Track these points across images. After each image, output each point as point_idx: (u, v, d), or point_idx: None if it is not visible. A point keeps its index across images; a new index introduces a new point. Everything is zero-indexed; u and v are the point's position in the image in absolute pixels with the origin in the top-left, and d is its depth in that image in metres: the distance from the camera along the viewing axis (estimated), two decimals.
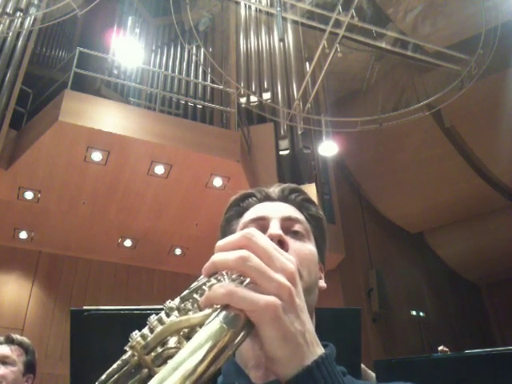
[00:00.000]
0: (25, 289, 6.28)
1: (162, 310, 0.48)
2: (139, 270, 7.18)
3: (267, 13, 8.14)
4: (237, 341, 0.42)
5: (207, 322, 0.42)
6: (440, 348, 3.77)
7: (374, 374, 2.12)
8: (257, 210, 0.83)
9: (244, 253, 0.45)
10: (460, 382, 1.39)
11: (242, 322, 0.43)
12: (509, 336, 9.84)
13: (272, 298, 0.44)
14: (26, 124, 5.84)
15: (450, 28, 7.51)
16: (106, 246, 6.78)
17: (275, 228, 0.75)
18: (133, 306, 1.05)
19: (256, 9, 8.39)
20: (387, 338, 7.84)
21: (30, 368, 1.93)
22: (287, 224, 0.79)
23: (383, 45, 7.42)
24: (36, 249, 6.54)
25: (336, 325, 1.13)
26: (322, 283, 0.82)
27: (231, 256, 0.46)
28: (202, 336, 0.40)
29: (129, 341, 0.44)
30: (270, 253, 0.47)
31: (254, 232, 0.48)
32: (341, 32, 6.42)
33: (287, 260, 0.48)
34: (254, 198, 0.87)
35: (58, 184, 5.77)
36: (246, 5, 8.41)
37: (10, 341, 1.92)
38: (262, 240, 0.48)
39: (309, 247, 0.78)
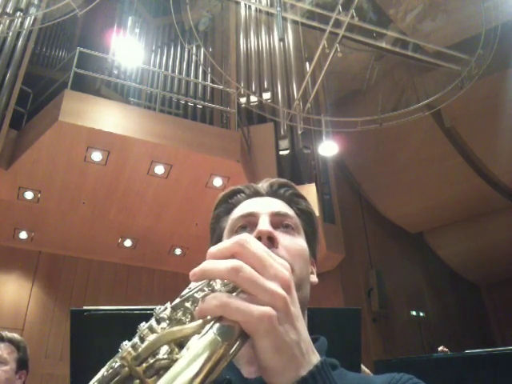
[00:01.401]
0: (25, 289, 6.28)
1: None
2: (139, 270, 7.18)
3: (267, 13, 8.14)
4: (231, 351, 0.41)
5: (201, 334, 0.41)
6: (440, 348, 3.76)
7: (370, 373, 2.12)
8: (246, 206, 0.82)
9: (236, 263, 0.44)
10: (460, 382, 1.39)
11: (236, 333, 0.42)
12: (509, 336, 9.84)
13: (266, 309, 0.43)
14: (26, 124, 5.84)
15: (450, 28, 7.50)
16: (106, 246, 6.78)
17: (265, 224, 0.74)
18: (133, 306, 1.05)
19: (256, 9, 8.39)
20: (387, 338, 7.84)
21: (22, 365, 1.88)
22: (277, 219, 0.78)
23: (383, 45, 7.42)
24: (36, 249, 6.54)
25: (336, 325, 1.13)
26: (314, 278, 0.81)
27: (223, 266, 0.44)
28: (196, 350, 0.39)
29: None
30: (263, 260, 0.46)
31: (247, 238, 0.47)
32: (341, 32, 6.42)
33: (281, 266, 0.47)
34: (243, 194, 0.86)
35: (58, 184, 5.77)
36: (246, 5, 8.41)
37: None
38: (256, 246, 0.46)
39: (299, 242, 0.77)
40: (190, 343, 0.42)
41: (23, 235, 6.33)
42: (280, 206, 0.82)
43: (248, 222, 0.78)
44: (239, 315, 0.42)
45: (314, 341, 0.74)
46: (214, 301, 0.43)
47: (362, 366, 2.61)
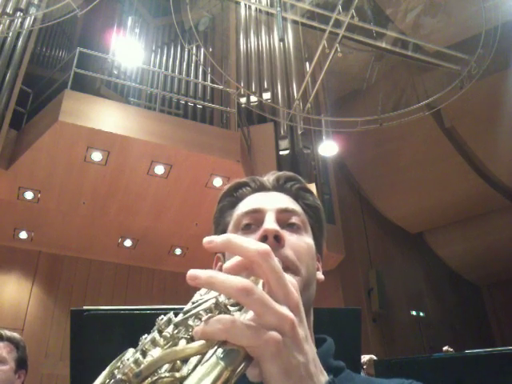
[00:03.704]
0: (25, 289, 6.28)
1: (161, 310, 0.47)
2: (139, 269, 7.18)
3: (267, 13, 8.15)
4: (235, 374, 0.41)
5: (204, 359, 0.40)
6: (445, 348, 3.75)
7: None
8: (251, 202, 0.79)
9: (248, 284, 0.42)
10: (460, 382, 1.39)
11: (240, 357, 0.41)
12: (508, 336, 9.84)
13: (273, 334, 0.41)
14: (26, 124, 5.84)
15: (450, 28, 7.51)
16: (106, 246, 6.78)
17: (271, 222, 0.72)
18: (133, 305, 1.05)
19: (256, 9, 8.39)
20: (387, 338, 7.84)
21: (21, 364, 1.86)
22: (283, 216, 0.76)
23: (383, 45, 7.42)
24: (36, 249, 6.54)
25: (336, 325, 1.13)
26: (320, 275, 0.79)
27: (233, 284, 0.42)
28: (200, 376, 0.39)
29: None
30: (280, 279, 0.44)
31: (267, 251, 0.45)
32: (341, 32, 6.42)
33: (291, 286, 0.45)
34: (248, 188, 0.83)
35: (58, 184, 5.77)
36: (246, 5, 8.41)
37: None
38: (276, 264, 0.45)
39: (306, 240, 0.76)
40: (191, 361, 0.41)
41: (23, 235, 6.33)
42: (287, 201, 0.79)
43: (253, 219, 0.76)
44: (244, 340, 0.41)
45: (321, 341, 0.73)
46: (219, 324, 0.41)
47: (373, 357, 2.61)
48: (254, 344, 0.41)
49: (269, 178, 0.84)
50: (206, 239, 0.44)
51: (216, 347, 0.41)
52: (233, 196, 0.84)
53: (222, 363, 0.40)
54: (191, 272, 0.43)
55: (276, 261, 0.45)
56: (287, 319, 0.43)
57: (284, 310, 0.43)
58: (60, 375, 5.72)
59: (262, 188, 0.83)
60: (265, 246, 0.44)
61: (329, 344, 0.74)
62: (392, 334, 8.05)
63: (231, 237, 0.44)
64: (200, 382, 0.38)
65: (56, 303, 6.39)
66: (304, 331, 0.45)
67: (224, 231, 0.81)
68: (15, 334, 1.92)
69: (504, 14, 6.24)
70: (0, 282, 6.16)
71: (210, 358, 0.40)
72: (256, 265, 0.44)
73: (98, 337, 1.02)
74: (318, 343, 0.72)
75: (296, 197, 0.83)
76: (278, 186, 0.83)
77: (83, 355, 1.01)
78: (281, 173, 0.86)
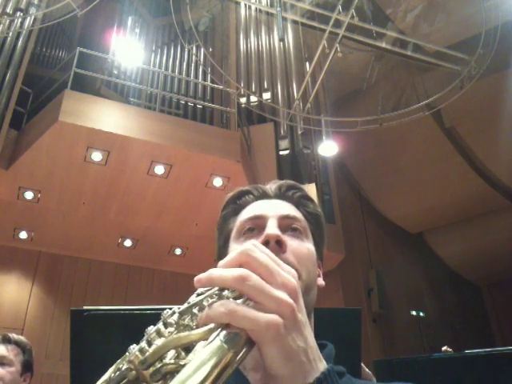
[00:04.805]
0: (25, 289, 6.28)
1: (161, 310, 0.47)
2: (139, 269, 7.18)
3: (267, 13, 8.14)
4: (237, 359, 0.42)
5: (208, 341, 0.41)
6: (444, 348, 3.74)
7: (370, 373, 2.13)
8: (254, 209, 0.82)
9: (243, 272, 0.45)
10: (460, 382, 1.39)
11: (242, 341, 0.42)
12: (508, 336, 9.84)
13: (273, 317, 0.43)
14: (26, 124, 5.84)
15: (450, 28, 7.50)
16: (106, 246, 6.78)
17: (273, 228, 0.74)
18: (133, 306, 1.05)
19: (256, 9, 8.39)
20: (387, 338, 7.84)
21: (27, 367, 1.91)
22: (285, 222, 0.78)
23: (383, 45, 7.42)
24: (36, 249, 6.54)
25: (336, 325, 1.13)
26: (321, 281, 0.81)
27: (230, 274, 0.45)
28: (203, 357, 0.40)
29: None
30: (270, 268, 0.46)
31: (251, 247, 0.48)
32: (341, 32, 6.42)
33: (288, 274, 0.47)
34: (251, 196, 0.86)
35: (58, 184, 5.77)
36: (246, 5, 8.41)
37: (6, 340, 1.89)
38: (261, 255, 0.47)
39: (307, 246, 0.77)
40: (196, 349, 0.42)
41: (23, 235, 6.33)
42: (288, 208, 0.81)
43: (256, 225, 0.78)
44: (246, 323, 0.42)
45: (322, 347, 0.74)
46: (222, 308, 0.43)
47: (362, 365, 2.61)
48: (256, 327, 0.42)
49: (271, 187, 0.87)
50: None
51: (219, 330, 0.42)
52: (236, 204, 0.86)
53: (225, 346, 0.41)
54: (195, 278, 0.46)
55: (263, 253, 0.47)
56: (286, 304, 0.44)
57: (282, 295, 0.45)
58: (60, 375, 5.72)
59: (264, 196, 0.85)
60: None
61: (329, 349, 0.75)
62: (392, 334, 8.05)
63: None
64: (203, 364, 0.39)
65: (56, 303, 6.39)
66: (303, 318, 0.47)
67: (227, 237, 0.83)
68: (22, 338, 1.97)
69: (504, 13, 6.24)
70: (0, 282, 6.16)
71: (213, 340, 0.41)
72: (245, 265, 0.46)
73: (98, 337, 1.02)
74: (319, 348, 0.72)
75: (297, 204, 0.85)
76: (280, 194, 0.85)
77: (83, 355, 1.01)
78: (283, 181, 0.89)
